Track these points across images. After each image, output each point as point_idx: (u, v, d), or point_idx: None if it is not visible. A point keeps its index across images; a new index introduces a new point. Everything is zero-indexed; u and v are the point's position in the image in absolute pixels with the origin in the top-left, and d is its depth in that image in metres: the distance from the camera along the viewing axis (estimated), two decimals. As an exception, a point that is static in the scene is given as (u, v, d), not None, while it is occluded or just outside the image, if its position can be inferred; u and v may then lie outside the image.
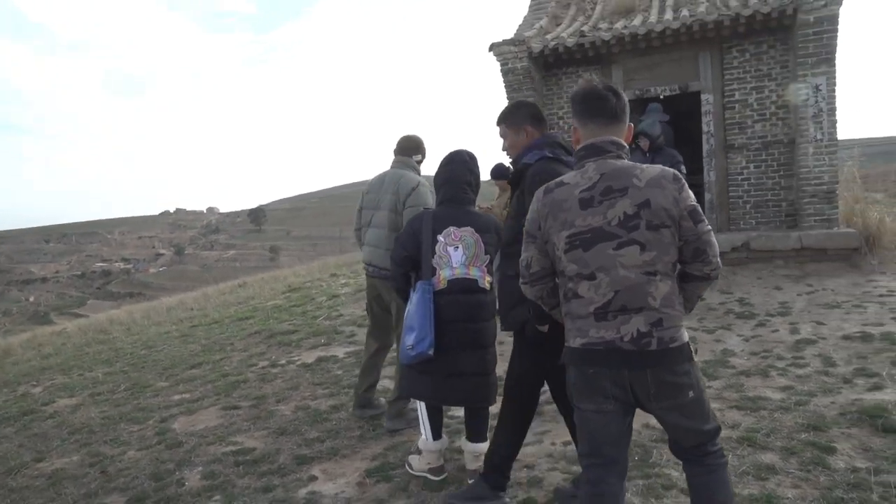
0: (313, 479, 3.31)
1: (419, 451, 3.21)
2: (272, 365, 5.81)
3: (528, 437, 3.53)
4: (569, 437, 3.45)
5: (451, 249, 2.99)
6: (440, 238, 2.99)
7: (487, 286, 3.05)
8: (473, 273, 3.01)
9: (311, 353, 6.05)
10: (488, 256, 3.06)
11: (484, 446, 3.01)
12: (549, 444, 3.45)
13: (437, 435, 3.12)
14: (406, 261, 3.06)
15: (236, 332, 7.54)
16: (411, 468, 3.21)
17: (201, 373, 5.82)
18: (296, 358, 5.92)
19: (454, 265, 2.98)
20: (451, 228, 3.01)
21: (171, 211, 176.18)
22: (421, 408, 3.15)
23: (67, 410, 5.17)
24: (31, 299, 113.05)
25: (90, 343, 8.96)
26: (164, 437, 4.17)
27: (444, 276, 2.97)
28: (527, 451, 3.35)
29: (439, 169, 3.14)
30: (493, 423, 3.04)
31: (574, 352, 1.96)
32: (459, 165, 3.11)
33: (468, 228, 3.02)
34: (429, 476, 3.11)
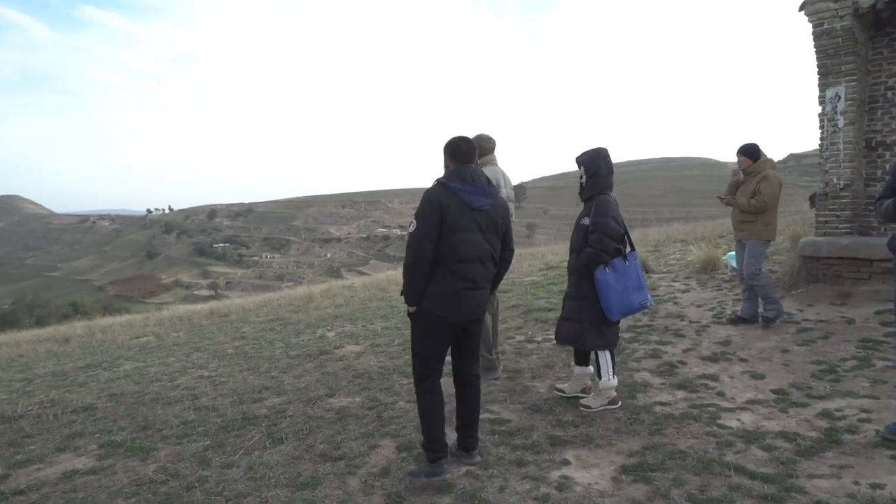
0: (566, 462, 3.24)
1: (588, 393, 4.10)
2: (528, 340, 5.89)
3: (824, 470, 3.00)
4: (879, 479, 2.84)
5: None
6: None
7: None
8: None
9: (566, 334, 5.99)
10: None
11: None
12: (850, 482, 2.86)
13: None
14: (620, 237, 3.85)
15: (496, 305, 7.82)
16: (590, 408, 3.92)
17: (463, 338, 6.15)
18: (551, 336, 5.90)
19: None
20: None
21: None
22: (606, 356, 3.95)
23: (353, 356, 5.92)
24: (329, 255, 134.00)
25: (371, 298, 10.19)
26: (429, 394, 4.49)
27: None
28: (821, 486, 2.83)
29: (601, 162, 3.88)
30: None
31: None
32: (610, 158, 3.95)
33: None
34: (610, 407, 3.92)
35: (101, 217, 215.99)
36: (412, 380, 4.85)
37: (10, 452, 4.06)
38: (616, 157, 4.05)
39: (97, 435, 4.27)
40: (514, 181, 5.07)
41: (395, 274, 14.09)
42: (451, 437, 3.37)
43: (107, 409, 4.88)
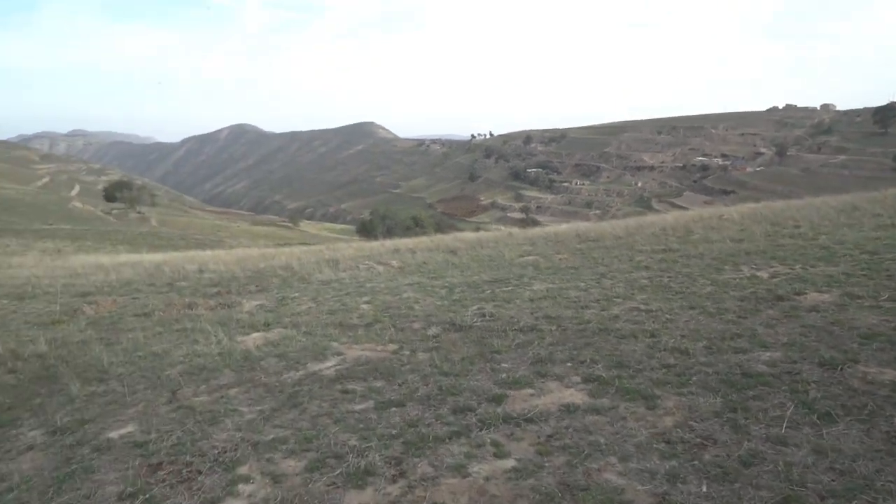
0: None
1: None
2: None
3: None
4: None
5: None
6: None
7: None
8: None
9: None
10: None
11: None
12: None
13: None
14: None
15: None
16: None
17: None
18: None
19: None
20: None
21: (780, 107, 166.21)
22: None
23: (830, 307, 4.63)
24: (639, 185, 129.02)
25: (775, 234, 8.53)
26: None
27: None
28: None
29: None
30: None
31: None
32: None
33: None
34: None
35: (434, 142, 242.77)
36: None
37: (489, 367, 3.94)
38: None
39: (569, 364, 3.90)
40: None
41: (789, 205, 11.82)
42: None
43: (553, 334, 4.57)
